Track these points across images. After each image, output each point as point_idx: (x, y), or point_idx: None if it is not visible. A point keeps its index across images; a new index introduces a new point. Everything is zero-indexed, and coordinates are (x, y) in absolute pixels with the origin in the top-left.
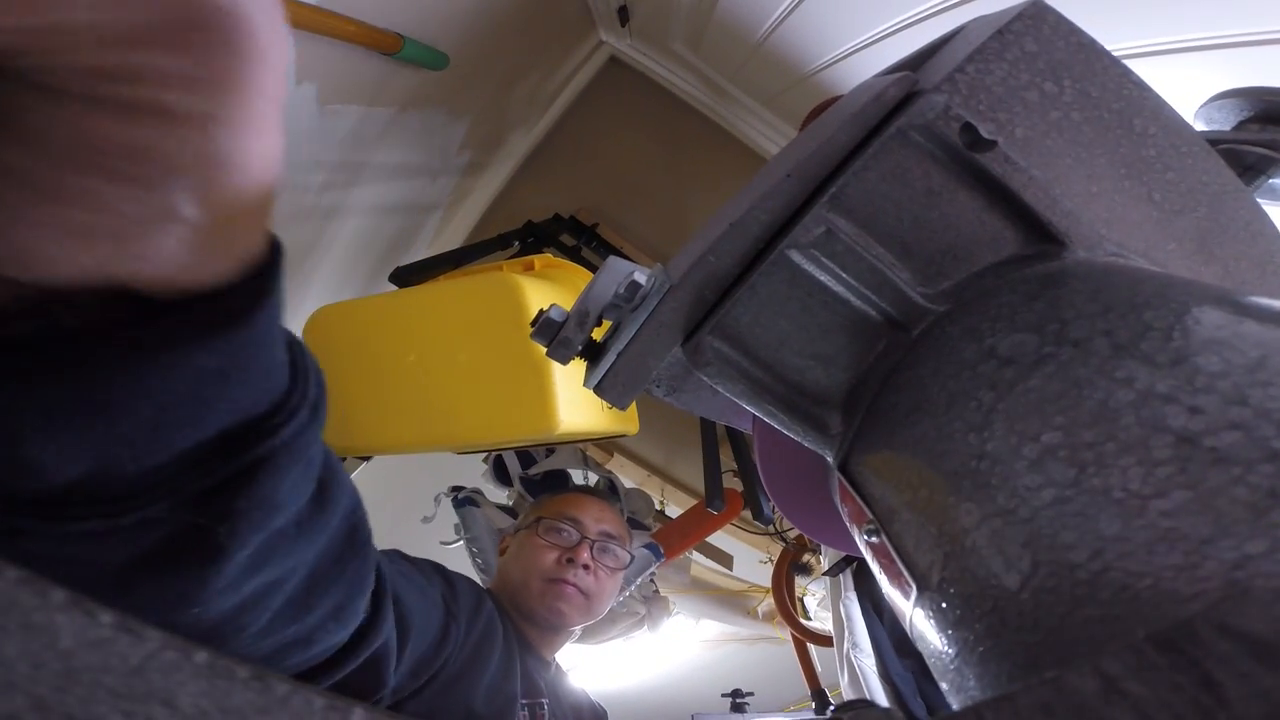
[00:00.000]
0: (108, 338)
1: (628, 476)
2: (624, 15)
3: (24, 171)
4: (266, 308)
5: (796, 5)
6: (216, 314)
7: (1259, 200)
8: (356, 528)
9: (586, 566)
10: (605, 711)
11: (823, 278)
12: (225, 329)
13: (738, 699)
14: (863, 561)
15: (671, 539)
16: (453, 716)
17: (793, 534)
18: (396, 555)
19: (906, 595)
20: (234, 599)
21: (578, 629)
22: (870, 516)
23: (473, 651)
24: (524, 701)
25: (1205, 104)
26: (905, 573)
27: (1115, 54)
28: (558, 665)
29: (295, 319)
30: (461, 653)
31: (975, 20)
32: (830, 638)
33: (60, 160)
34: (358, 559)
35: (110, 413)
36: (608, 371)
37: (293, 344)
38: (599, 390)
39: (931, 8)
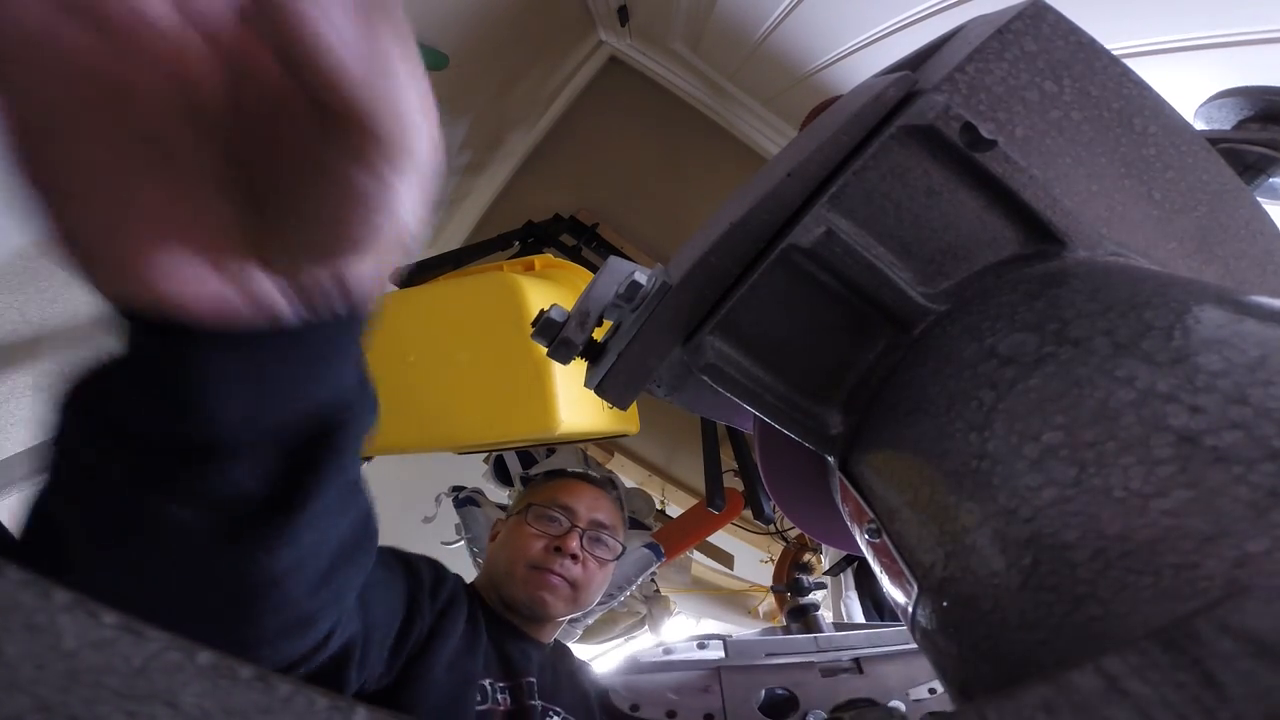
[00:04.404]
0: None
1: (628, 476)
2: (624, 15)
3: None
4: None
5: (796, 5)
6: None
7: (1259, 199)
8: (369, 518)
9: (575, 556)
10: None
11: (823, 278)
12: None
13: None
14: (864, 561)
15: (672, 539)
16: (418, 682)
17: (793, 533)
18: None
19: (908, 594)
20: (293, 552)
21: (565, 619)
22: (871, 515)
23: (435, 621)
24: (502, 684)
25: (1205, 103)
26: (906, 572)
27: (1115, 54)
28: (559, 647)
29: None
30: (426, 624)
31: (975, 20)
32: None
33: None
34: (365, 548)
35: (265, 382)
36: (609, 371)
37: (361, 358)
38: (600, 390)
39: (931, 8)
